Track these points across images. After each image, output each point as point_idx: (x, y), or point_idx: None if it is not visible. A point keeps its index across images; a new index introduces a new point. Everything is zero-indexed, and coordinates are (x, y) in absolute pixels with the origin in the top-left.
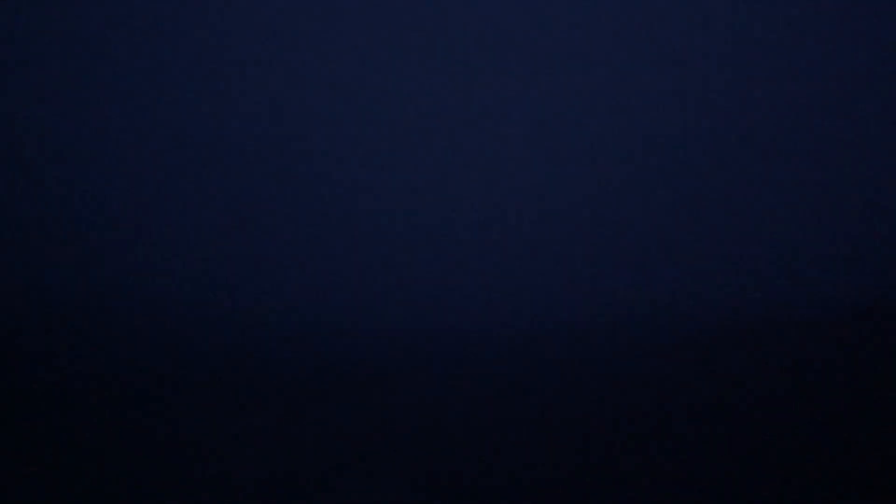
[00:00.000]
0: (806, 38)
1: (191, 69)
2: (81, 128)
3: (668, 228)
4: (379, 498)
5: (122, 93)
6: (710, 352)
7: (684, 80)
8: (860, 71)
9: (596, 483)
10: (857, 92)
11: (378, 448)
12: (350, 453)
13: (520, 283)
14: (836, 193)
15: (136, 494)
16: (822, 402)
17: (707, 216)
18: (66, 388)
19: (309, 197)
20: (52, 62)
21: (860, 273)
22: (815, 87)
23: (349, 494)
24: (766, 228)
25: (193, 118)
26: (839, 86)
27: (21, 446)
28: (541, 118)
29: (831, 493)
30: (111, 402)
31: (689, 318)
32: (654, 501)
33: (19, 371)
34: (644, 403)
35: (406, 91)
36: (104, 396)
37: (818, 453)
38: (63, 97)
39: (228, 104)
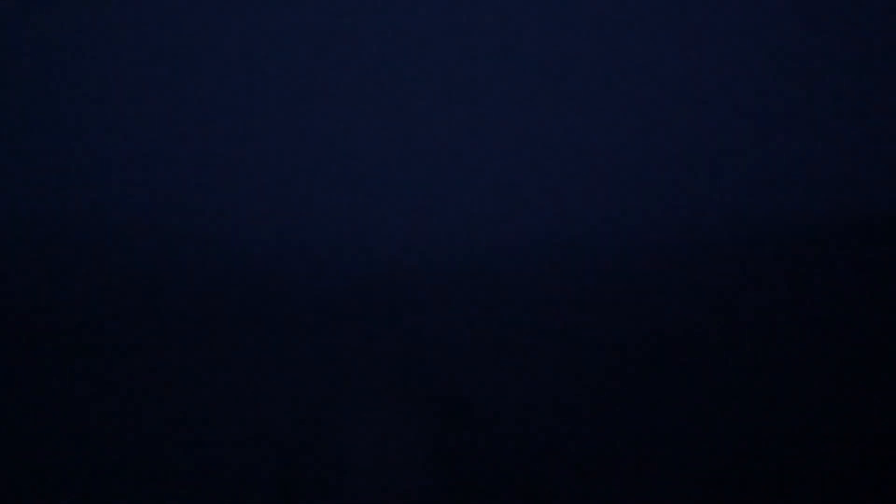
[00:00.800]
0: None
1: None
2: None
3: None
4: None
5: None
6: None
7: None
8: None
9: (594, 409)
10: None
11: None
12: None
13: (512, 204)
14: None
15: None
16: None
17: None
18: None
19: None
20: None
21: (849, 187)
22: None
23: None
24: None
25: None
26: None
27: (21, 381)
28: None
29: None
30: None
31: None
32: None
33: (16, 305)
34: (643, 327)
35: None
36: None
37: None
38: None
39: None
